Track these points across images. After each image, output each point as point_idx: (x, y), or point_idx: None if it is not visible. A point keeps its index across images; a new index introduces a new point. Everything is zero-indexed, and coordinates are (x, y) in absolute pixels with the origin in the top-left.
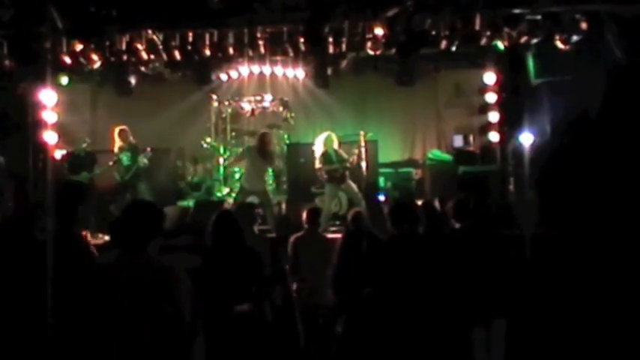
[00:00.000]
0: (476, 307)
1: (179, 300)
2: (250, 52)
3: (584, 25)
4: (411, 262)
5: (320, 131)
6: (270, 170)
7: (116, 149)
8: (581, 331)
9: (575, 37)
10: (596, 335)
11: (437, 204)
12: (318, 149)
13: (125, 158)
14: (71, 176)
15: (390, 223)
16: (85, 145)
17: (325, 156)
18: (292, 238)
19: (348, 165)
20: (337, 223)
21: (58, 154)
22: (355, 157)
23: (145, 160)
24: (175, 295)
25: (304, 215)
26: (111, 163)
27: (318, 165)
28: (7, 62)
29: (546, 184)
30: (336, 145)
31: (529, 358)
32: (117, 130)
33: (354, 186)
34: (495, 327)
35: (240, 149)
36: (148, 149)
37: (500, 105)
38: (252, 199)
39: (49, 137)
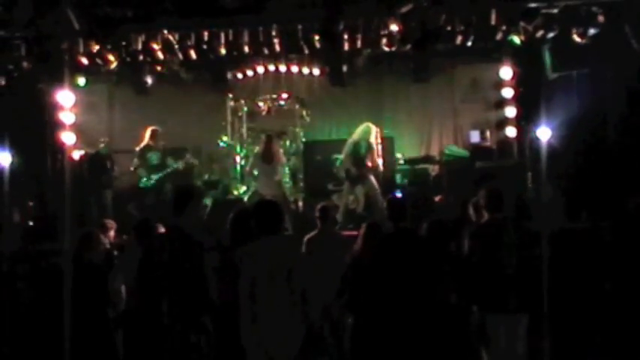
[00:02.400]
0: (498, 299)
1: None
2: (266, 51)
3: (601, 18)
4: (404, 259)
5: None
6: (286, 169)
7: (142, 146)
8: (605, 328)
9: (592, 31)
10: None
11: None
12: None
13: (154, 157)
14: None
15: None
16: (102, 145)
17: (355, 145)
18: (306, 239)
19: (366, 165)
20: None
21: (76, 154)
22: (372, 164)
23: (182, 165)
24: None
25: (316, 214)
26: (132, 169)
27: (343, 156)
28: (24, 63)
29: (567, 179)
30: (372, 138)
31: (552, 352)
32: (150, 129)
33: (374, 183)
34: (518, 321)
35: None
36: (189, 156)
37: (516, 100)
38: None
39: (67, 138)
